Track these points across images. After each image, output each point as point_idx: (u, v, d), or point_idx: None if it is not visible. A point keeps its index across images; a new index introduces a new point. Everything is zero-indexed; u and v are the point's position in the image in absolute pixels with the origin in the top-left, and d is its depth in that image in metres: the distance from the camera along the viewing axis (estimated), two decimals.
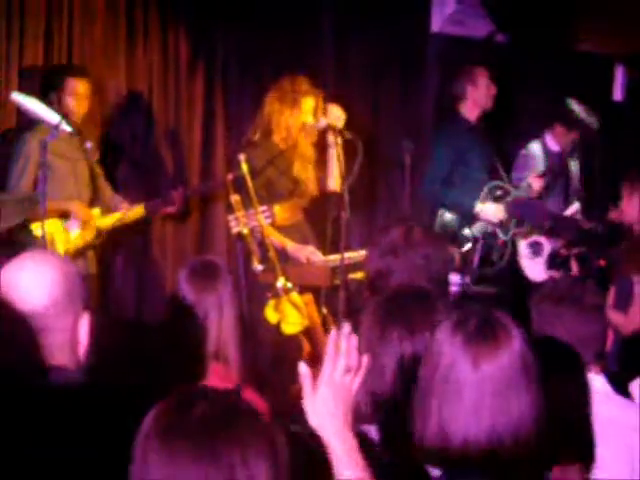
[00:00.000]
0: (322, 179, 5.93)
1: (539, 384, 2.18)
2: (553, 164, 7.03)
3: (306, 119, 5.73)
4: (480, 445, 2.12)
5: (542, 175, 6.75)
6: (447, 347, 2.19)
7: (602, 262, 6.15)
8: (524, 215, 6.73)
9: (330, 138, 5.74)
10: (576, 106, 6.90)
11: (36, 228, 5.49)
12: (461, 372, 2.16)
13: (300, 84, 5.73)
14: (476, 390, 2.14)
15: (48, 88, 5.72)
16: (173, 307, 3.56)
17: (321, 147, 5.87)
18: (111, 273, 6.48)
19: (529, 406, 2.15)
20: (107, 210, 5.90)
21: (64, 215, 5.67)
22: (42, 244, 5.21)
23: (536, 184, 6.69)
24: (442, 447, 2.15)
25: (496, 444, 2.12)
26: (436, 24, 7.62)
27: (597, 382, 2.95)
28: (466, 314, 2.26)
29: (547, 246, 6.86)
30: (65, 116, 5.32)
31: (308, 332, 5.50)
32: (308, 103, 5.73)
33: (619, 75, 8.65)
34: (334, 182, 5.81)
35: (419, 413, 2.21)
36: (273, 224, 5.54)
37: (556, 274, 6.36)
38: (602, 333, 3.19)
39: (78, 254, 5.70)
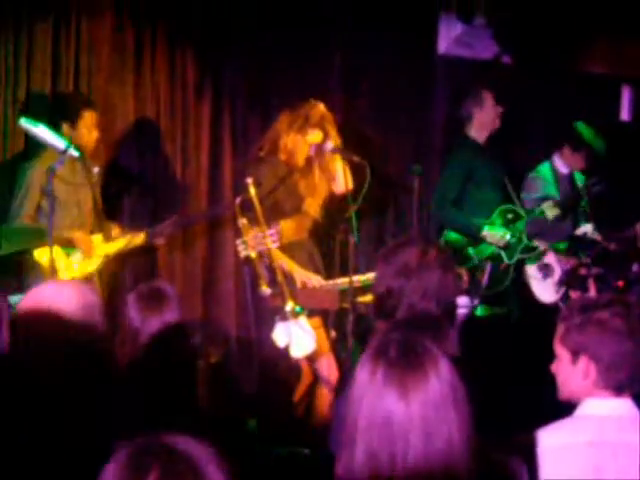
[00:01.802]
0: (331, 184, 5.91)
1: (467, 406, 2.16)
2: (564, 188, 7.02)
3: (309, 147, 5.74)
4: (408, 474, 2.09)
5: (557, 204, 6.74)
6: (369, 384, 2.16)
7: (620, 283, 6.13)
8: (542, 235, 6.72)
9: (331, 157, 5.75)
10: (584, 129, 6.91)
11: (38, 255, 5.49)
12: (388, 406, 2.13)
13: (315, 113, 5.72)
14: (405, 418, 2.12)
15: (60, 118, 5.73)
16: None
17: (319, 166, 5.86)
18: (119, 299, 6.46)
19: (460, 429, 2.12)
20: (108, 237, 5.89)
21: (67, 244, 5.65)
22: (46, 271, 5.22)
23: (550, 213, 6.67)
24: (370, 477, 2.12)
25: (424, 472, 2.09)
26: (443, 46, 7.62)
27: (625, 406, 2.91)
28: (387, 340, 2.23)
29: (557, 268, 6.85)
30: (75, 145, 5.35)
31: (315, 356, 5.50)
32: (315, 135, 5.73)
33: (626, 95, 8.65)
34: (341, 184, 5.80)
35: (345, 449, 2.17)
36: (281, 246, 5.54)
37: (574, 294, 6.34)
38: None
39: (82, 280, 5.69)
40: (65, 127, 5.72)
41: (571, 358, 2.91)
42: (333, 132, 5.72)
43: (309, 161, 5.82)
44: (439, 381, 2.14)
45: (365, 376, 2.18)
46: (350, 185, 5.50)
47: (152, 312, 3.48)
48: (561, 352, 2.94)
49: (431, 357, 2.17)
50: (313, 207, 5.88)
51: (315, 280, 5.63)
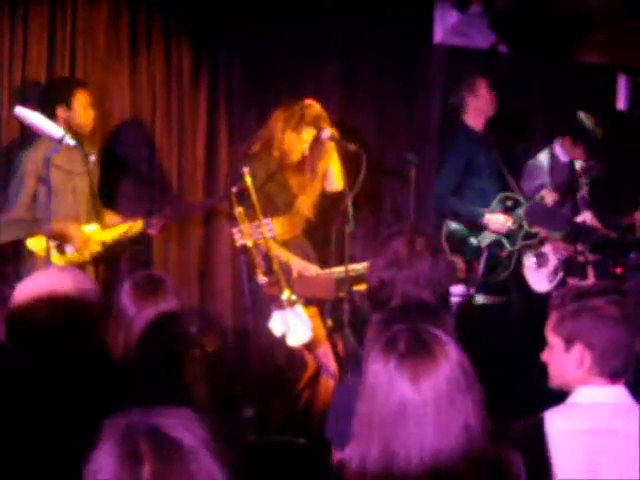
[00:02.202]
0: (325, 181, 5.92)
1: (479, 389, 2.17)
2: (562, 176, 7.03)
3: (303, 146, 5.74)
4: (425, 463, 2.10)
5: (556, 189, 6.75)
6: (382, 374, 2.18)
7: (619, 269, 6.14)
8: (543, 222, 6.73)
9: (326, 146, 5.76)
10: (584, 118, 6.91)
11: (31, 244, 5.49)
12: (401, 393, 2.14)
13: (309, 112, 5.73)
14: (418, 408, 2.12)
15: (54, 102, 5.72)
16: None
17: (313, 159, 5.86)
18: (114, 288, 6.44)
19: (475, 412, 2.14)
20: (104, 225, 5.88)
21: (59, 237, 5.64)
22: (40, 259, 5.22)
23: (549, 198, 6.68)
24: (385, 471, 2.13)
25: (442, 459, 2.10)
26: (439, 35, 7.62)
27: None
28: (395, 334, 2.24)
29: (552, 257, 6.86)
30: (70, 129, 5.33)
31: (312, 345, 5.50)
32: (309, 134, 5.73)
33: (622, 84, 8.64)
34: (335, 181, 5.81)
35: (358, 443, 2.18)
36: (274, 238, 5.54)
37: (572, 280, 6.35)
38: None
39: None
40: (60, 110, 5.69)
41: (565, 346, 2.91)
42: (328, 129, 5.72)
43: (302, 159, 5.82)
44: (449, 366, 2.16)
45: (377, 369, 2.20)
46: (342, 185, 5.49)
47: (147, 301, 3.46)
48: (553, 340, 2.94)
49: (440, 344, 2.20)
50: (306, 205, 5.88)
51: (312, 269, 5.64)
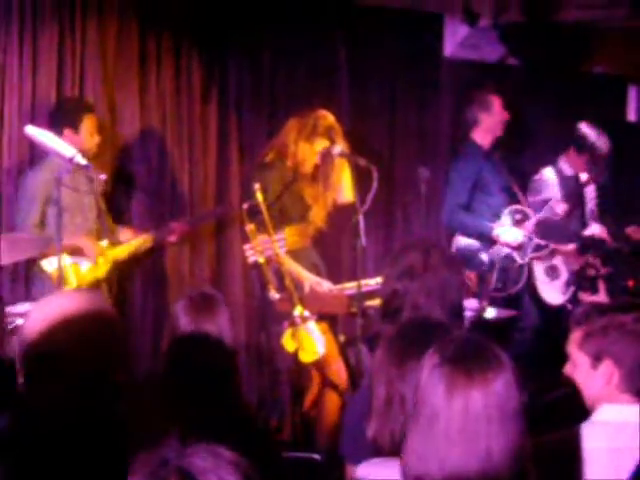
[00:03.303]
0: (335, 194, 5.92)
1: (520, 424, 2.13)
2: (569, 189, 7.01)
3: (316, 155, 5.75)
4: (452, 473, 2.08)
5: (565, 200, 6.75)
6: (429, 377, 2.16)
7: (630, 283, 6.11)
8: (550, 236, 6.72)
9: (338, 161, 5.76)
10: (587, 130, 6.90)
11: (45, 264, 5.49)
12: (435, 401, 2.13)
13: (323, 123, 5.73)
14: (447, 418, 2.11)
15: (62, 123, 5.72)
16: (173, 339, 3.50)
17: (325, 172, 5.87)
18: (129, 305, 6.46)
19: (501, 442, 2.10)
20: (115, 242, 5.89)
21: (74, 251, 5.65)
22: (53, 279, 5.22)
23: (559, 209, 6.67)
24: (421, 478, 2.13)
25: (463, 474, 2.08)
26: (449, 48, 7.62)
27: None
28: (453, 341, 2.23)
29: (563, 269, 6.85)
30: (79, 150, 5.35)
31: (325, 361, 5.49)
32: (321, 143, 5.73)
33: (632, 96, 8.64)
34: (346, 194, 5.81)
35: (405, 447, 2.18)
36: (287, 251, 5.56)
37: (584, 294, 6.33)
38: None
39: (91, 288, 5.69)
40: (67, 131, 5.69)
41: (591, 363, 2.88)
42: (341, 140, 5.72)
43: (315, 169, 5.83)
44: (484, 393, 2.11)
45: (425, 373, 2.18)
46: (354, 197, 5.48)
47: (204, 317, 3.48)
48: (579, 357, 2.90)
49: (493, 364, 2.15)
50: (320, 216, 5.88)
51: (325, 285, 5.63)
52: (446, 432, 2.10)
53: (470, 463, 2.09)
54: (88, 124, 5.80)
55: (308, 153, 5.75)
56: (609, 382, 2.86)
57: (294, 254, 5.71)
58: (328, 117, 5.78)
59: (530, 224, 6.63)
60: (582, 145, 6.94)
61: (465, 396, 2.11)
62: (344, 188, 5.84)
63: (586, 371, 2.89)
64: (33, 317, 2.61)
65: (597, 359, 2.87)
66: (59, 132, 5.57)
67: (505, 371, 2.16)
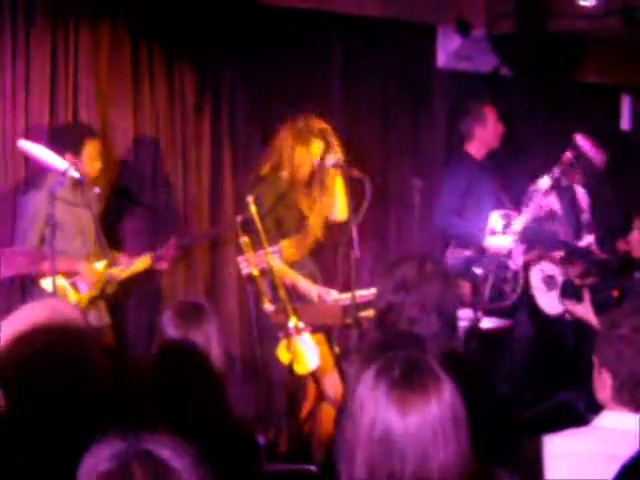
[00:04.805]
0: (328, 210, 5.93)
1: (468, 436, 2.14)
2: (564, 199, 7.03)
3: (313, 159, 5.76)
4: None
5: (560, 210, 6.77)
6: (370, 399, 2.15)
7: (615, 293, 6.11)
8: (537, 242, 6.72)
9: (331, 172, 5.77)
10: (582, 141, 6.91)
11: (44, 283, 5.48)
12: (388, 420, 2.11)
13: (314, 125, 5.75)
14: (402, 435, 2.10)
15: (64, 148, 5.65)
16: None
17: (320, 182, 5.87)
18: (124, 321, 6.45)
19: (455, 453, 2.10)
20: (113, 262, 5.86)
21: (72, 275, 5.64)
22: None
23: (551, 218, 6.70)
24: None
25: None
26: (442, 59, 7.64)
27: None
28: (391, 360, 2.21)
29: (560, 279, 6.84)
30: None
31: (320, 372, 5.49)
32: (317, 145, 5.74)
33: (626, 105, 8.66)
34: (339, 212, 5.81)
35: (346, 463, 2.16)
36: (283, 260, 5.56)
37: (569, 304, 6.33)
38: None
39: (90, 306, 5.69)
40: (68, 156, 5.60)
41: (598, 368, 2.92)
42: (335, 143, 5.73)
43: (311, 178, 5.83)
44: (439, 405, 2.12)
45: (367, 392, 2.17)
46: (347, 214, 5.48)
47: (191, 326, 3.47)
48: (594, 360, 2.95)
49: (434, 379, 2.15)
50: (317, 226, 5.88)
51: (333, 294, 5.63)
52: (402, 448, 2.10)
53: (427, 474, 2.09)
54: (90, 150, 5.74)
55: (305, 157, 5.75)
56: (604, 390, 2.89)
57: (292, 266, 5.71)
58: (319, 120, 5.80)
59: (518, 227, 6.63)
60: (577, 156, 6.95)
61: (423, 412, 2.11)
62: (338, 206, 5.84)
63: (595, 375, 2.94)
64: (2, 329, 2.63)
65: (600, 366, 2.91)
66: (60, 156, 5.50)
67: (447, 380, 2.17)
